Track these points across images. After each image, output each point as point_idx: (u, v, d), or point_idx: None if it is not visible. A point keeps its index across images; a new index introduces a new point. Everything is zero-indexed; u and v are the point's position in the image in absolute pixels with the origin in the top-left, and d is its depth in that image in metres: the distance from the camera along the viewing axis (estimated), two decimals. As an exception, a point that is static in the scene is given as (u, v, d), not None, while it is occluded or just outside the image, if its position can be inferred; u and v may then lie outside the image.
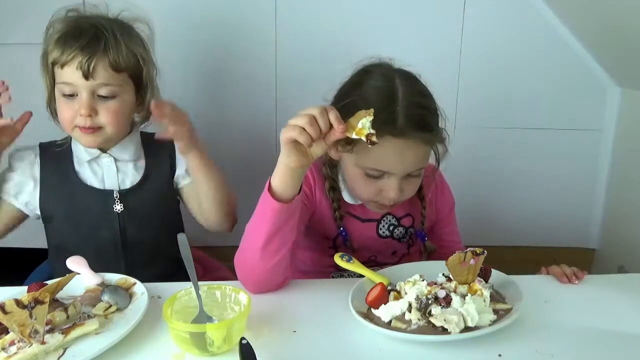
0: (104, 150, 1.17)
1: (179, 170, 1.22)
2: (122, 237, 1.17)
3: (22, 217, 1.19)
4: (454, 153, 1.62)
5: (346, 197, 1.12)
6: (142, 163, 1.20)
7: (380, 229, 1.14)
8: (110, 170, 1.17)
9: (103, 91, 1.09)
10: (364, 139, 0.83)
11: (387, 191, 1.00)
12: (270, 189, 0.90)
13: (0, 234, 1.18)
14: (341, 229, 1.10)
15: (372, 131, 0.83)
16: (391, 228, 1.14)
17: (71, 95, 1.09)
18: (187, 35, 1.53)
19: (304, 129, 0.83)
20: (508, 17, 1.58)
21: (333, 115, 0.84)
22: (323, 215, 1.11)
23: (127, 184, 1.18)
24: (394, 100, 0.96)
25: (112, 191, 1.16)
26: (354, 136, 0.84)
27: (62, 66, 1.07)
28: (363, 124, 0.83)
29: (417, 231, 1.16)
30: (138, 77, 1.16)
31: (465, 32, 1.59)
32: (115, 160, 1.18)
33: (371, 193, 1.03)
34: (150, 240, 1.19)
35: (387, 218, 1.14)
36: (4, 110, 1.10)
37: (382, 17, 1.53)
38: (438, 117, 1.02)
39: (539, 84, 1.64)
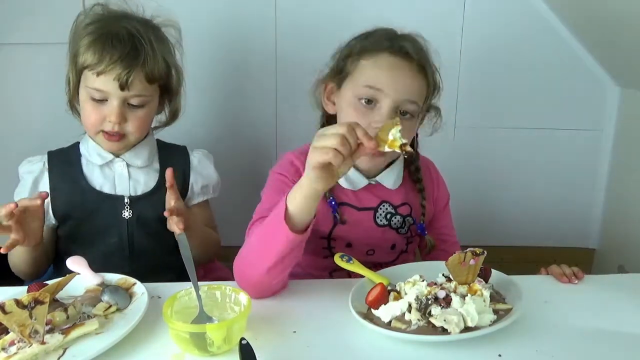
0: (116, 154, 1.17)
1: (191, 191, 1.23)
2: (129, 244, 1.17)
3: (47, 229, 1.17)
4: (454, 153, 1.64)
5: (341, 180, 1.10)
6: (155, 172, 1.20)
7: (378, 217, 1.13)
8: (122, 176, 1.17)
9: (135, 101, 1.11)
10: (398, 150, 0.81)
11: (379, 121, 0.99)
12: (285, 211, 0.86)
13: (46, 254, 1.16)
14: (330, 198, 1.08)
15: (405, 140, 0.81)
16: (388, 216, 1.13)
17: (100, 100, 1.09)
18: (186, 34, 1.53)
19: (336, 149, 0.79)
20: (508, 17, 1.58)
21: (361, 132, 0.81)
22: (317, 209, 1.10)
23: (139, 191, 1.17)
24: (395, 32, 1.08)
25: (122, 197, 1.16)
26: (386, 149, 0.82)
27: (98, 74, 1.07)
28: (394, 135, 0.81)
29: (417, 224, 1.16)
30: (167, 85, 1.17)
31: (465, 32, 1.59)
32: (128, 165, 1.17)
33: (364, 123, 0.99)
34: (156, 249, 1.19)
35: (384, 206, 1.13)
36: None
37: (381, 17, 1.53)
38: (437, 71, 1.09)
39: (539, 84, 1.64)
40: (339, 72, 1.10)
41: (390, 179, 1.13)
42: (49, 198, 1.13)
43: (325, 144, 0.80)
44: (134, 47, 1.08)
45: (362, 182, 1.12)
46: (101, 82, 1.07)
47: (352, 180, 1.12)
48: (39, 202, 1.00)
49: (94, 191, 1.15)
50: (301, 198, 0.86)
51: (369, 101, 1.02)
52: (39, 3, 1.48)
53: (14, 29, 1.50)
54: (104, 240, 1.16)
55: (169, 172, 1.07)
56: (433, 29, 1.55)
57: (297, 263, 1.13)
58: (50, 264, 1.21)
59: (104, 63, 1.06)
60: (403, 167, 1.17)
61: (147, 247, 1.18)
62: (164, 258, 1.18)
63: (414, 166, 1.18)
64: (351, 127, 0.81)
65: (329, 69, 1.13)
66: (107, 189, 1.16)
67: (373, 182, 1.13)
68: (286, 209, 0.87)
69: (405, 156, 0.82)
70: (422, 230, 1.16)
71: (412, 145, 1.18)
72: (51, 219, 1.16)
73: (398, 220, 1.14)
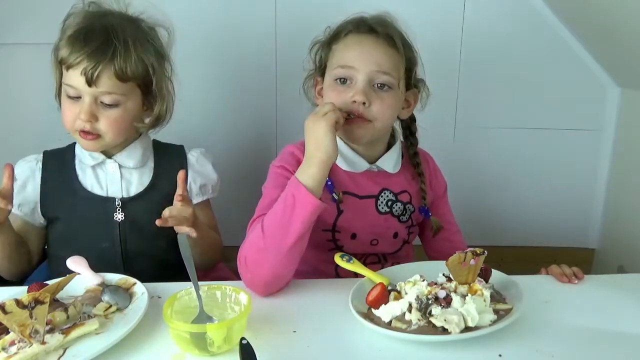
0: (109, 155, 1.15)
1: (189, 191, 1.19)
2: (122, 247, 1.14)
3: (34, 228, 1.17)
4: (454, 153, 1.63)
5: (338, 160, 1.10)
6: (149, 171, 1.18)
7: (379, 205, 1.14)
8: (114, 177, 1.15)
9: (106, 99, 1.07)
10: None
11: (354, 95, 1.03)
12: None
13: (19, 248, 1.13)
14: (327, 178, 1.07)
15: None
16: (389, 203, 1.14)
17: (76, 97, 1.07)
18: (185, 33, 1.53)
19: (335, 109, 0.98)
20: (508, 17, 1.59)
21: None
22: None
23: (132, 192, 1.15)
24: (361, 16, 1.11)
25: (113, 199, 1.14)
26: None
27: (68, 68, 1.06)
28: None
29: (419, 208, 1.18)
30: (146, 85, 1.13)
31: (465, 32, 1.59)
32: (120, 166, 1.15)
33: (339, 102, 1.04)
34: (151, 253, 1.17)
35: (384, 193, 1.14)
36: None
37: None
38: (408, 42, 1.11)
39: (539, 84, 1.64)
40: (320, 66, 1.14)
41: (391, 162, 1.15)
42: (38, 197, 1.13)
43: (324, 109, 0.97)
44: (104, 42, 1.04)
45: (362, 165, 1.13)
46: (71, 76, 1.05)
47: (352, 162, 1.12)
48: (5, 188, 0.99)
49: (84, 192, 1.13)
50: (318, 171, 0.95)
51: (344, 80, 1.06)
52: (38, 3, 1.48)
53: (14, 29, 1.50)
54: (95, 244, 1.13)
55: (181, 174, 1.06)
56: (433, 29, 1.56)
57: (303, 258, 1.13)
58: (33, 265, 1.19)
59: (73, 56, 1.04)
60: (401, 153, 1.18)
61: (140, 250, 1.15)
62: (162, 261, 1.17)
63: (412, 150, 1.19)
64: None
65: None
66: (98, 191, 1.14)
67: (374, 168, 1.14)
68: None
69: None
70: (426, 213, 1.18)
71: (410, 127, 1.20)
72: (39, 219, 1.15)
73: (399, 208, 1.15)
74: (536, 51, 1.61)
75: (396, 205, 1.15)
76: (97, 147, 1.12)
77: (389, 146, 1.17)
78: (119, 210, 1.14)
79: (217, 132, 1.62)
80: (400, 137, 1.21)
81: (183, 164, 1.20)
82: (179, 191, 1.05)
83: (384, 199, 1.14)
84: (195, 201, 1.21)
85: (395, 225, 1.16)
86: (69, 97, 1.08)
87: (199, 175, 1.22)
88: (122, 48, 1.06)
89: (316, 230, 1.11)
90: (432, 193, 1.23)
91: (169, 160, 1.20)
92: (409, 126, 1.20)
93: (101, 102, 1.07)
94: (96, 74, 1.03)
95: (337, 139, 1.10)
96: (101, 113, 1.07)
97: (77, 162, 1.16)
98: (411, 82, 1.13)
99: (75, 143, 1.19)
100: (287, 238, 0.93)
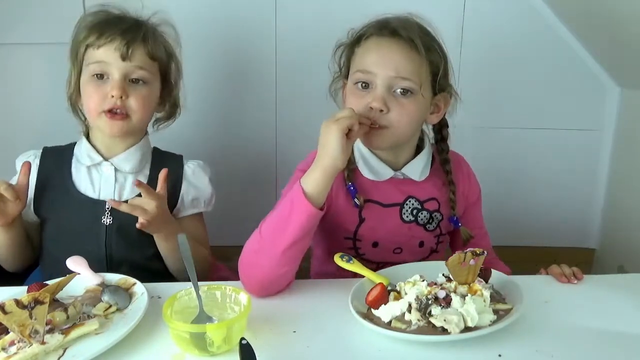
0: (106, 158, 1.15)
1: (181, 202, 1.19)
2: (106, 251, 1.13)
3: (31, 224, 1.16)
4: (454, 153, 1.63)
5: (362, 169, 1.09)
6: (144, 178, 1.16)
7: (404, 214, 1.10)
8: (108, 180, 1.14)
9: (137, 74, 1.10)
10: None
11: (371, 101, 1.00)
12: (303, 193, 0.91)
13: (26, 245, 1.16)
14: (349, 184, 1.07)
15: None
16: (415, 212, 1.11)
17: (101, 77, 1.09)
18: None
19: (353, 114, 0.93)
20: (508, 17, 1.59)
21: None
22: (339, 207, 1.08)
23: (124, 197, 1.14)
24: (385, 17, 1.06)
25: (104, 202, 1.12)
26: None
27: (99, 47, 1.08)
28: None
29: (449, 217, 1.13)
30: (165, 73, 1.17)
31: (465, 32, 1.59)
32: (116, 170, 1.15)
33: (359, 107, 1.01)
34: (135, 260, 1.14)
35: (409, 202, 1.11)
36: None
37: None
38: (437, 44, 1.07)
39: (539, 84, 1.64)
40: (345, 69, 1.11)
41: (417, 169, 1.11)
42: (32, 194, 1.12)
43: (342, 114, 0.93)
44: (135, 24, 1.11)
45: (386, 172, 1.09)
46: (102, 52, 1.08)
47: (376, 171, 1.09)
48: (12, 196, 1.02)
49: (76, 192, 1.13)
50: (321, 177, 0.92)
51: (365, 85, 1.03)
52: (38, 3, 1.48)
53: (14, 28, 1.50)
54: (81, 245, 1.11)
55: (162, 173, 1.07)
56: (433, 29, 1.56)
57: (325, 264, 1.10)
58: (35, 260, 1.20)
59: (104, 35, 1.07)
60: (431, 160, 1.14)
61: (124, 256, 1.13)
62: (142, 269, 1.13)
63: (442, 158, 1.15)
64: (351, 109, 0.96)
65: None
66: (90, 192, 1.13)
67: (400, 175, 1.10)
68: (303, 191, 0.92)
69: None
70: (455, 223, 1.13)
71: (442, 132, 1.16)
72: (32, 216, 1.15)
73: (425, 216, 1.12)
74: (536, 51, 1.61)
75: (421, 213, 1.11)
76: (123, 130, 1.12)
77: (419, 151, 1.13)
78: (107, 213, 1.12)
79: (217, 132, 1.62)
80: (430, 141, 1.16)
81: (179, 174, 1.19)
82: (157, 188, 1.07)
83: (409, 207, 1.11)
84: (185, 213, 1.21)
85: (420, 234, 1.12)
86: (95, 77, 1.09)
87: (193, 188, 1.20)
88: (151, 32, 1.13)
89: (337, 238, 1.10)
90: (465, 200, 1.18)
91: (166, 168, 1.18)
92: (440, 131, 1.16)
93: (130, 80, 1.10)
94: (131, 48, 1.08)
95: (362, 146, 1.09)
96: (131, 90, 1.10)
97: (74, 161, 1.16)
98: (437, 86, 1.08)
99: (75, 143, 1.19)
100: (282, 242, 0.92)
